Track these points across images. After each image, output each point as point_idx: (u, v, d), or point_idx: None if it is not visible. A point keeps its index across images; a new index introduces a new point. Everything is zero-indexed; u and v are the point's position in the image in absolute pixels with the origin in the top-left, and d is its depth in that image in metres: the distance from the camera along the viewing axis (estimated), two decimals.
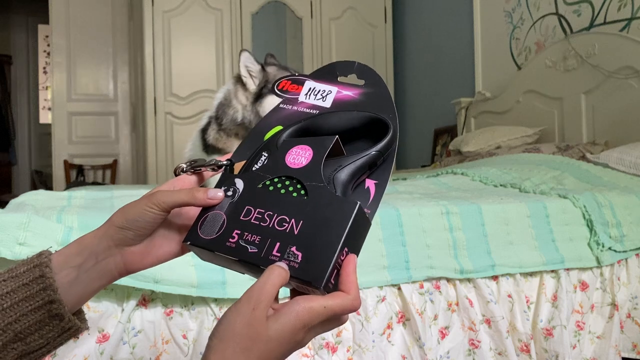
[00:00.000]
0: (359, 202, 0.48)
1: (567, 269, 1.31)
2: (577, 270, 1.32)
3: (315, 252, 0.46)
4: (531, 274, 1.30)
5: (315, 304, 0.45)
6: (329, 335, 1.09)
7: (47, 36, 6.19)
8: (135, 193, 1.33)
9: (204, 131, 1.58)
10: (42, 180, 6.41)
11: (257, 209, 0.50)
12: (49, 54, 5.76)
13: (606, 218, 1.37)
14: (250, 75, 1.52)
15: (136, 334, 0.98)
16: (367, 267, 1.13)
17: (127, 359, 0.96)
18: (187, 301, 1.01)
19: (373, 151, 0.52)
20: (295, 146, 0.54)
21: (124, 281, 0.95)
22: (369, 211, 0.51)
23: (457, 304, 1.21)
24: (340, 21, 4.08)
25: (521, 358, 1.22)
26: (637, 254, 1.40)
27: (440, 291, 1.20)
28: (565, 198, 1.40)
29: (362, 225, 0.49)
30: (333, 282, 0.46)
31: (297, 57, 3.99)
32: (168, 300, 1.01)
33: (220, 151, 1.51)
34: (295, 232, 0.47)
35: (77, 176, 4.48)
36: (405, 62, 4.18)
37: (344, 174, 0.51)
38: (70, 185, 4.14)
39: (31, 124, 6.81)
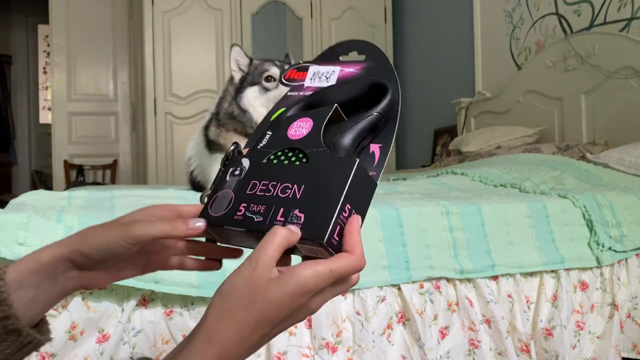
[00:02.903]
0: (358, 159, 0.48)
1: (567, 269, 1.31)
2: (577, 270, 1.32)
3: (317, 211, 0.46)
4: (531, 274, 1.30)
5: (321, 267, 0.45)
6: (329, 336, 1.09)
7: (47, 36, 6.19)
8: (135, 193, 1.33)
9: (206, 129, 1.60)
10: (42, 180, 6.41)
11: (262, 182, 0.51)
12: (49, 54, 5.76)
13: (606, 218, 1.37)
14: (240, 69, 1.56)
15: (136, 334, 0.98)
16: (367, 267, 1.13)
17: (127, 359, 0.96)
18: (187, 301, 1.01)
19: (373, 113, 0.53)
20: (296, 120, 0.55)
21: (124, 281, 0.95)
22: (374, 173, 0.52)
23: (457, 304, 1.21)
24: (340, 21, 4.07)
25: (521, 358, 1.22)
26: (637, 254, 1.40)
27: (440, 291, 1.20)
28: (565, 198, 1.40)
29: (365, 185, 0.49)
30: (337, 238, 0.46)
31: (297, 57, 3.98)
32: (168, 300, 1.01)
33: (221, 147, 1.52)
34: (298, 197, 0.48)
35: (77, 176, 4.48)
36: (405, 62, 4.18)
37: (345, 139, 0.52)
38: (70, 185, 4.13)
39: (31, 124, 6.81)
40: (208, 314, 0.45)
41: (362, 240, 0.48)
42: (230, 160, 0.55)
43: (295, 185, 0.49)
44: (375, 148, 0.53)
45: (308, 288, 0.44)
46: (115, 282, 0.55)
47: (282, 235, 0.45)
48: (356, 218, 0.47)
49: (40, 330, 0.51)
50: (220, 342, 0.44)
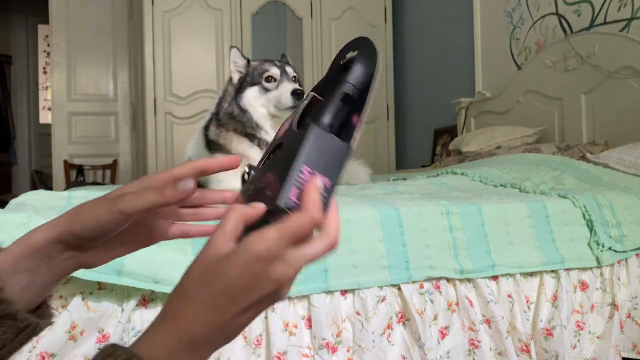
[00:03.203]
0: (316, 125, 0.48)
1: (567, 269, 1.31)
2: (577, 270, 1.33)
3: (280, 184, 0.46)
4: (531, 274, 1.30)
5: (267, 230, 0.42)
6: (329, 336, 1.09)
7: (47, 36, 6.19)
8: None
9: (206, 129, 1.61)
10: (42, 180, 6.41)
11: (255, 181, 0.52)
12: (49, 54, 5.76)
13: (606, 218, 1.37)
14: (237, 70, 1.57)
15: (136, 334, 0.98)
16: (367, 267, 1.13)
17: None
18: None
19: (345, 83, 0.52)
20: (285, 120, 0.56)
21: (124, 281, 0.95)
22: (352, 139, 0.51)
23: (457, 304, 1.21)
24: (340, 21, 4.08)
25: (521, 358, 1.22)
26: (637, 254, 1.40)
27: (440, 291, 1.20)
28: (565, 198, 1.40)
29: (332, 148, 0.48)
30: (297, 201, 0.45)
31: (297, 57, 3.99)
32: None
33: (221, 147, 1.53)
34: (272, 179, 0.48)
35: (77, 176, 4.48)
36: (405, 62, 4.18)
37: (321, 118, 0.51)
38: (70, 185, 4.13)
39: (31, 124, 6.81)
40: (169, 295, 0.45)
41: (334, 207, 0.45)
42: (246, 182, 0.55)
43: (272, 172, 0.49)
44: (354, 117, 0.53)
45: (258, 253, 0.41)
46: (116, 258, 0.54)
47: (238, 211, 0.44)
48: (316, 178, 0.45)
49: (41, 314, 0.50)
50: (177, 319, 0.43)
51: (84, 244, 0.49)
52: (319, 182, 0.45)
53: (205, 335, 0.43)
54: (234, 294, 0.42)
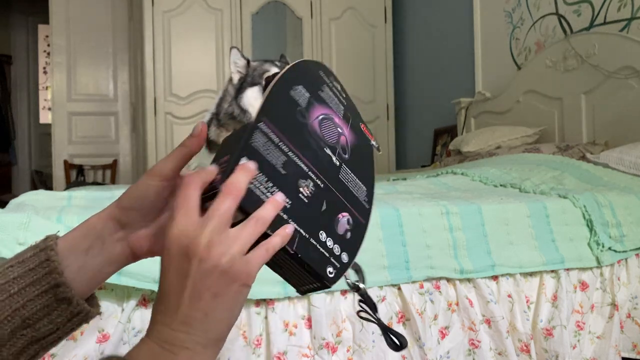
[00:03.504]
0: (253, 122, 0.49)
1: (567, 269, 1.31)
2: (577, 270, 1.33)
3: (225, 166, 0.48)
4: (531, 274, 1.30)
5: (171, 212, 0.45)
6: (329, 336, 1.09)
7: (47, 36, 6.19)
8: None
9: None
10: (42, 180, 6.41)
11: (219, 159, 0.54)
12: (49, 54, 5.76)
13: (606, 218, 1.37)
14: (238, 70, 1.58)
15: (136, 334, 0.98)
16: (367, 267, 1.13)
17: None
18: None
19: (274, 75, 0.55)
20: None
21: (124, 281, 0.95)
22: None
23: (457, 304, 1.21)
24: (340, 21, 4.07)
25: (521, 358, 1.22)
26: (637, 254, 1.40)
27: (440, 291, 1.20)
28: (565, 198, 1.40)
29: (269, 141, 0.49)
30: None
31: (297, 57, 3.97)
32: None
33: None
34: (225, 160, 0.50)
35: (77, 176, 4.48)
36: (405, 62, 4.18)
37: (260, 113, 0.52)
38: (70, 185, 4.14)
39: (31, 124, 6.81)
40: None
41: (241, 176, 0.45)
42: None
43: (227, 155, 0.51)
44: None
45: (173, 237, 0.43)
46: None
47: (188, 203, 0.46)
48: (245, 165, 0.46)
49: (90, 304, 0.51)
50: (152, 323, 0.45)
51: (131, 219, 0.51)
52: (247, 167, 0.46)
53: (180, 334, 0.43)
54: (179, 287, 0.43)
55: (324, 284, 0.48)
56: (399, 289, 1.17)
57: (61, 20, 4.40)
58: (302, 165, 0.50)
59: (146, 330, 0.45)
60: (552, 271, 1.30)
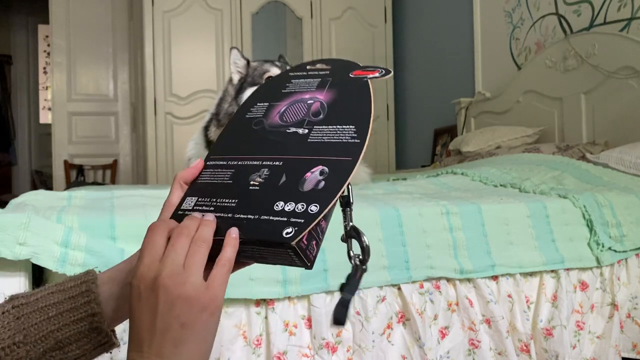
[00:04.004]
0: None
1: (567, 269, 1.31)
2: (577, 270, 1.32)
3: None
4: (531, 274, 1.30)
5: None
6: (329, 336, 1.09)
7: (47, 36, 6.18)
8: (135, 193, 1.33)
9: (206, 129, 1.61)
10: (42, 180, 6.41)
11: None
12: (49, 54, 5.76)
13: (606, 218, 1.37)
14: (238, 71, 1.58)
15: None
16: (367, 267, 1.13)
17: None
18: None
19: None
20: None
21: None
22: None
23: (457, 304, 1.21)
24: (340, 21, 4.07)
25: (521, 358, 1.22)
26: (637, 254, 1.40)
27: (440, 291, 1.20)
28: (565, 198, 1.40)
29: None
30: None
31: (297, 57, 3.99)
32: None
33: None
34: None
35: (77, 176, 4.48)
36: (405, 62, 4.18)
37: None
38: (70, 185, 4.13)
39: (31, 124, 6.81)
40: None
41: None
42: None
43: None
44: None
45: (141, 274, 0.47)
46: None
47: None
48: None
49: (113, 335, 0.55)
50: (129, 353, 0.48)
51: None
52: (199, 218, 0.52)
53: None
54: (158, 321, 0.45)
55: (289, 245, 0.48)
56: (399, 289, 1.17)
57: (61, 20, 4.40)
58: (253, 163, 0.56)
59: None
60: (552, 271, 1.30)
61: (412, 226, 1.21)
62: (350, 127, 0.56)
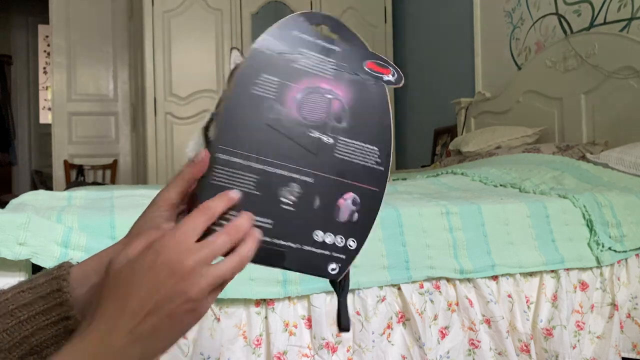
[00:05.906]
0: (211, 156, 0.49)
1: (567, 269, 1.31)
2: (577, 270, 1.32)
3: None
4: (531, 274, 1.30)
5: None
6: (329, 335, 1.09)
7: (47, 36, 6.19)
8: (135, 193, 1.33)
9: (206, 129, 1.61)
10: (42, 180, 6.41)
11: None
12: (49, 54, 5.76)
13: (606, 218, 1.37)
14: None
15: None
16: (367, 267, 1.13)
17: None
18: None
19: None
20: None
21: None
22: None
23: (457, 304, 1.21)
24: None
25: (521, 358, 1.22)
26: (637, 254, 1.40)
27: (440, 291, 1.20)
28: (565, 198, 1.40)
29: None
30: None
31: None
32: None
33: None
34: None
35: (77, 176, 4.48)
36: (406, 62, 4.18)
37: None
38: (70, 185, 4.13)
39: (31, 124, 6.81)
40: None
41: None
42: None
43: None
44: None
45: (168, 243, 0.43)
46: None
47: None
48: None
49: None
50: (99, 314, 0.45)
51: None
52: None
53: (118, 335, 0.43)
54: (152, 302, 0.43)
55: (332, 279, 0.48)
56: (399, 289, 1.16)
57: (61, 20, 4.40)
58: (281, 172, 0.47)
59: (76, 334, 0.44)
60: (552, 271, 1.30)
61: (412, 226, 1.21)
62: (374, 148, 0.50)
